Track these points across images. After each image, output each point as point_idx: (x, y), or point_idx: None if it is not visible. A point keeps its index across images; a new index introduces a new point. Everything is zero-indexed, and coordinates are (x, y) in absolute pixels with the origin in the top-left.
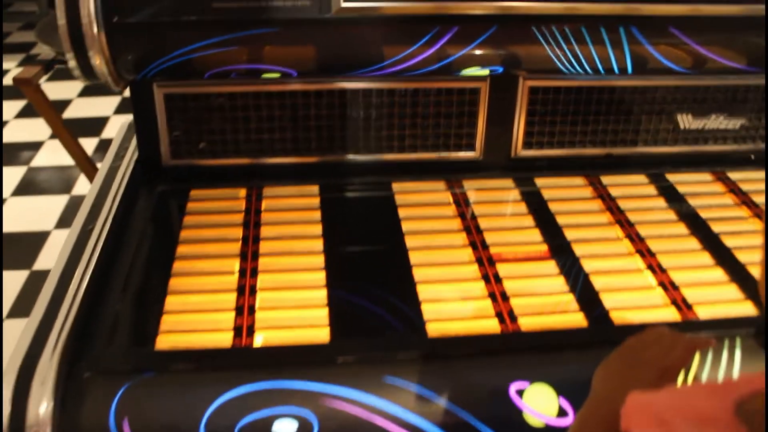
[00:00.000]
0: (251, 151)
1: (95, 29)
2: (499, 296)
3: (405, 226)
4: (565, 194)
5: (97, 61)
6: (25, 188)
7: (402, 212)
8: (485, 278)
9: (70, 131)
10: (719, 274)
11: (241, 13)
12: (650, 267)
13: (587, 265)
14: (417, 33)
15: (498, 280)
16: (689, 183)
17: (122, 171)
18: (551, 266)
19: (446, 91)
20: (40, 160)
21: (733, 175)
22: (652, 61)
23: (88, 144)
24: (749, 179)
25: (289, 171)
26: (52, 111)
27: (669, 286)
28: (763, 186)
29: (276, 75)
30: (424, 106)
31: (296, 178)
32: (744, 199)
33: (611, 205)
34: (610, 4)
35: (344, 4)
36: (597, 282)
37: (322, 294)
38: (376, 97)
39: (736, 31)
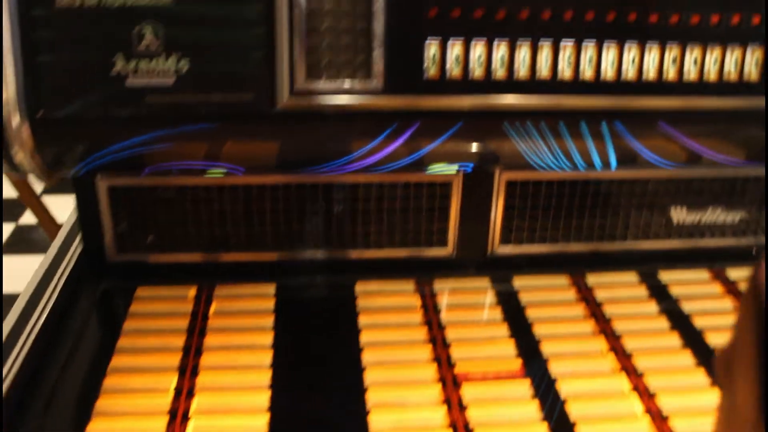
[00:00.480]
0: (203, 246)
1: (16, 122)
2: (461, 428)
3: (364, 337)
4: (546, 297)
5: (21, 156)
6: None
7: (363, 319)
8: (448, 403)
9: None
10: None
11: (177, 108)
12: (636, 389)
13: (565, 387)
14: (373, 129)
15: (462, 407)
16: (684, 283)
17: (65, 264)
18: (524, 388)
19: (415, 185)
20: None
21: (733, 273)
22: (639, 157)
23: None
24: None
25: (245, 269)
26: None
27: (657, 416)
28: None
29: (220, 173)
30: (390, 200)
31: (252, 277)
32: None
33: (596, 311)
34: (589, 97)
35: (289, 100)
36: (574, 409)
37: (263, 422)
38: (338, 191)
39: (733, 125)
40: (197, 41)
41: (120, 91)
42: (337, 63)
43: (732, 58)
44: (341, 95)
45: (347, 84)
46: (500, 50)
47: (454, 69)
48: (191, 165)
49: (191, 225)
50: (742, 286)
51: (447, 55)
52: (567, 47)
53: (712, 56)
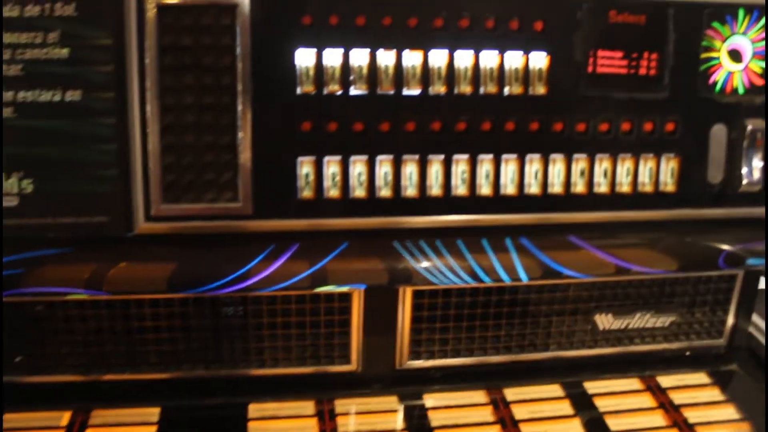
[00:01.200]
0: (78, 366)
1: None
2: None
3: None
4: (457, 418)
5: None
6: None
7: None
8: None
9: None
10: None
11: (30, 230)
12: None
13: None
14: (247, 252)
15: None
16: (612, 394)
17: None
18: None
19: (311, 297)
20: None
21: (665, 380)
22: (551, 271)
23: None
24: (684, 384)
25: (126, 389)
26: None
27: None
28: (700, 393)
29: (82, 297)
30: (284, 314)
31: (134, 399)
32: (676, 418)
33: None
34: (489, 214)
35: (146, 224)
36: None
37: None
38: (226, 305)
39: (656, 237)
40: (42, 159)
41: None
42: (198, 183)
43: (646, 167)
44: (205, 220)
45: (211, 206)
46: (383, 167)
47: (331, 189)
48: (48, 289)
49: (64, 343)
50: (675, 396)
51: (323, 173)
52: (460, 161)
53: (624, 167)
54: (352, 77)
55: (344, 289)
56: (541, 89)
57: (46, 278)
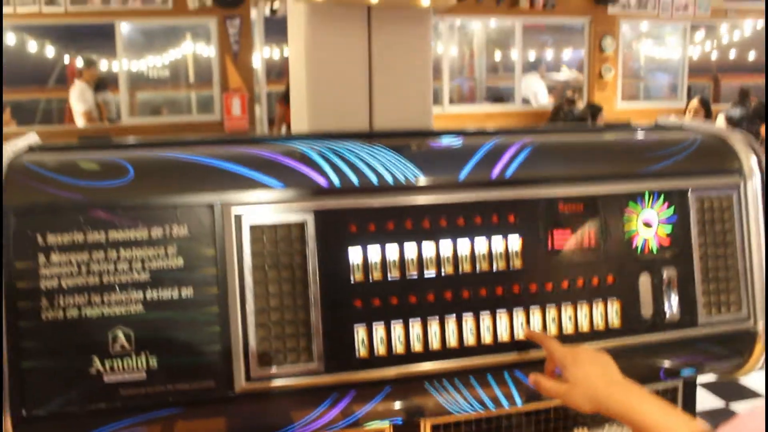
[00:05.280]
0: None
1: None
2: None
3: None
4: None
5: None
6: None
7: None
8: None
9: None
10: None
11: (149, 397)
12: None
13: None
14: (318, 400)
15: None
16: None
17: None
18: None
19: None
20: None
21: None
22: (536, 394)
23: None
24: None
25: None
26: None
27: None
28: None
29: None
30: None
31: None
32: None
33: None
34: (491, 355)
35: (245, 385)
36: None
37: None
38: None
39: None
40: (163, 341)
41: (97, 388)
42: (283, 351)
43: (597, 311)
44: (289, 378)
45: (293, 367)
46: (415, 328)
47: (379, 347)
48: None
49: None
50: None
51: (373, 336)
52: (468, 319)
53: (582, 311)
54: (388, 268)
55: (382, 425)
56: (518, 263)
57: None
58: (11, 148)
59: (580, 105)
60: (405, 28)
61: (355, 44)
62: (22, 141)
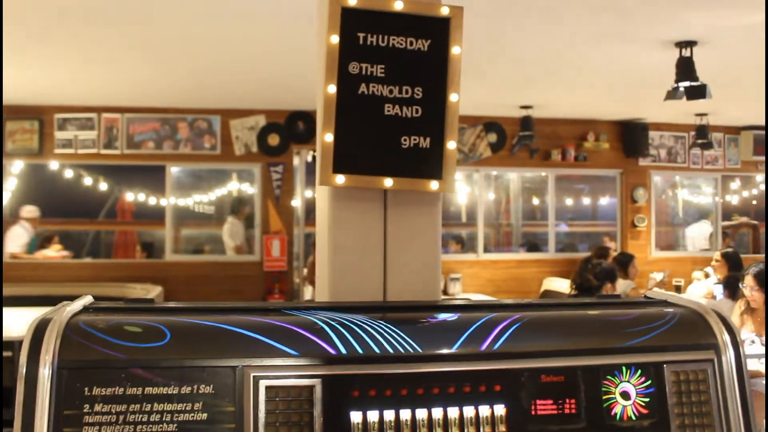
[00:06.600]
0: None
1: None
2: None
3: None
4: None
5: None
6: None
7: None
8: None
9: None
10: None
11: None
12: None
13: None
14: None
15: None
16: None
17: None
18: None
19: None
20: None
21: None
22: None
23: None
24: None
25: None
26: None
27: None
28: None
29: None
30: None
31: None
32: None
33: None
34: None
35: None
36: None
37: None
38: None
39: None
40: None
41: None
42: None
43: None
44: None
45: None
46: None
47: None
48: None
49: None
50: None
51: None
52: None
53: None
54: (385, 430)
55: None
56: (502, 429)
57: None
58: (69, 308)
59: (612, 254)
60: (416, 209)
61: (371, 223)
62: (78, 302)
